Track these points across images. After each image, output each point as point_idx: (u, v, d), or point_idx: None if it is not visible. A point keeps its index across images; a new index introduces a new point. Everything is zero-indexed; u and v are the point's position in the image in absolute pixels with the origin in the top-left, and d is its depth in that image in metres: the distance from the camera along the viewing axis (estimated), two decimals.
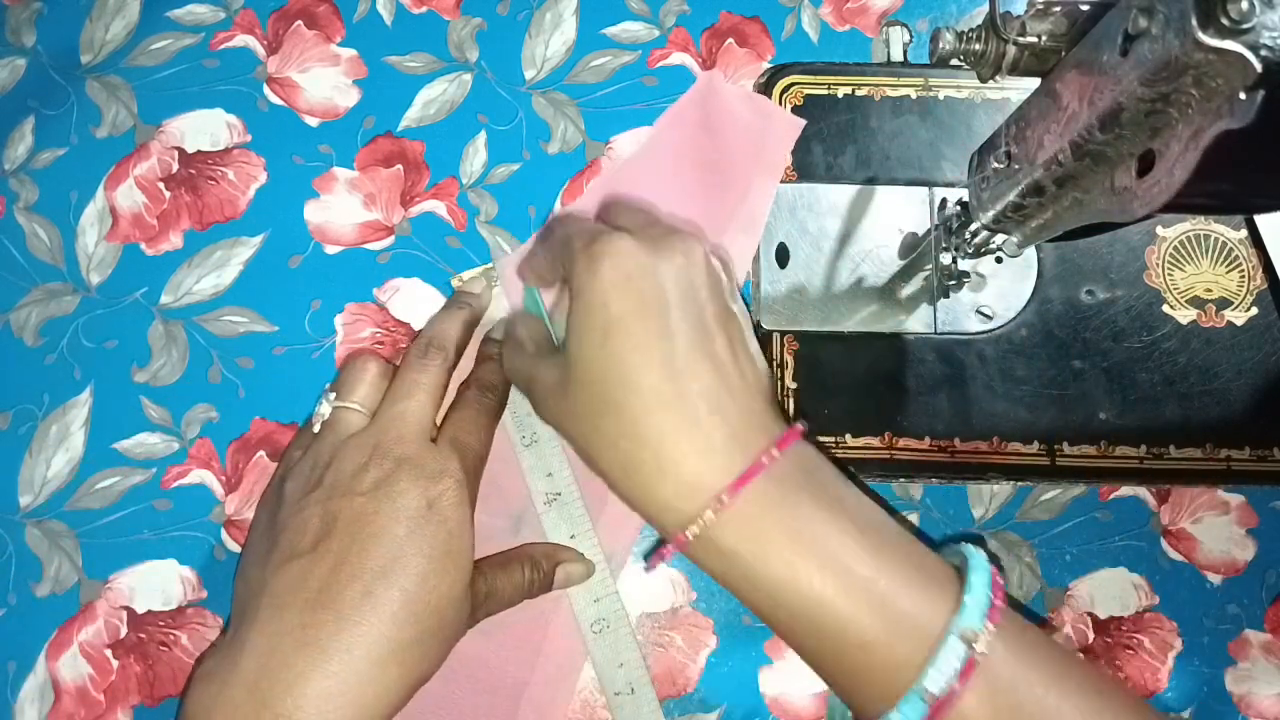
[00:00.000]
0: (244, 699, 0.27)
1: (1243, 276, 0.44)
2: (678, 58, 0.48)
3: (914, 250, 0.43)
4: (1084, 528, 0.43)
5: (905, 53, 0.46)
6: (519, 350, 0.35)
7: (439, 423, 0.35)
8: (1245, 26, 0.21)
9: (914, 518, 0.43)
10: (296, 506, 0.31)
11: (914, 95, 0.46)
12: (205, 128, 0.46)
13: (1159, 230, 0.45)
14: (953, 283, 0.41)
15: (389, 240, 0.45)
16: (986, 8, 0.30)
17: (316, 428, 0.35)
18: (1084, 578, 0.42)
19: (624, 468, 0.29)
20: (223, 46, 0.47)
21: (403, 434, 0.32)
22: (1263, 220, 0.44)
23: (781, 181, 0.45)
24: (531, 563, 0.35)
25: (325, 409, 0.35)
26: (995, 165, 0.33)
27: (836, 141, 0.46)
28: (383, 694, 0.28)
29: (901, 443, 0.42)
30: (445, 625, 0.30)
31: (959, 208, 0.39)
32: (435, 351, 0.36)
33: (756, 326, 0.44)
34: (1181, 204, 0.24)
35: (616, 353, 0.28)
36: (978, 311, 0.44)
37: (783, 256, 0.45)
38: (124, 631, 0.40)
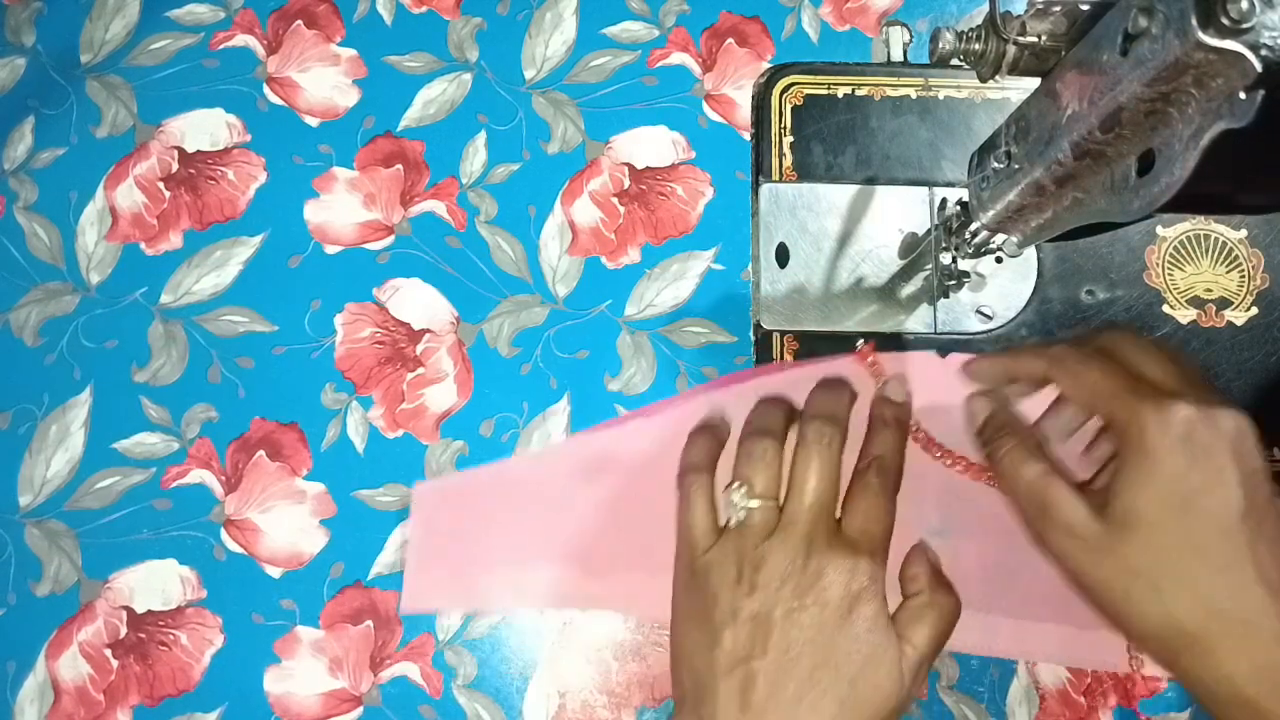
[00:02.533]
0: None
1: (1243, 276, 0.44)
2: (678, 58, 0.48)
3: (914, 250, 0.43)
4: None
5: (905, 53, 0.46)
6: (1033, 461, 0.35)
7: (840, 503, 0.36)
8: (1245, 26, 0.21)
9: None
10: (731, 609, 0.33)
11: (914, 95, 0.46)
12: (205, 127, 0.46)
13: (1159, 230, 0.45)
14: (953, 283, 0.41)
15: (389, 240, 0.45)
16: (986, 8, 0.30)
17: (730, 522, 0.35)
18: None
19: (1168, 624, 0.31)
20: (223, 46, 0.47)
21: (816, 531, 0.34)
22: None
23: (781, 181, 0.45)
24: (945, 597, 0.35)
25: (737, 506, 0.35)
26: (995, 165, 0.33)
27: (836, 141, 0.46)
28: None
29: None
30: (877, 713, 0.32)
31: (959, 208, 0.39)
32: (832, 432, 0.35)
33: (756, 327, 0.44)
34: (1181, 204, 0.24)
35: (1195, 529, 0.30)
36: (978, 311, 0.44)
37: (783, 256, 0.45)
38: (124, 631, 0.40)
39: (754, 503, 0.35)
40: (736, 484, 0.35)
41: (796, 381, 0.40)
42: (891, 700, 0.32)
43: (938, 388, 0.40)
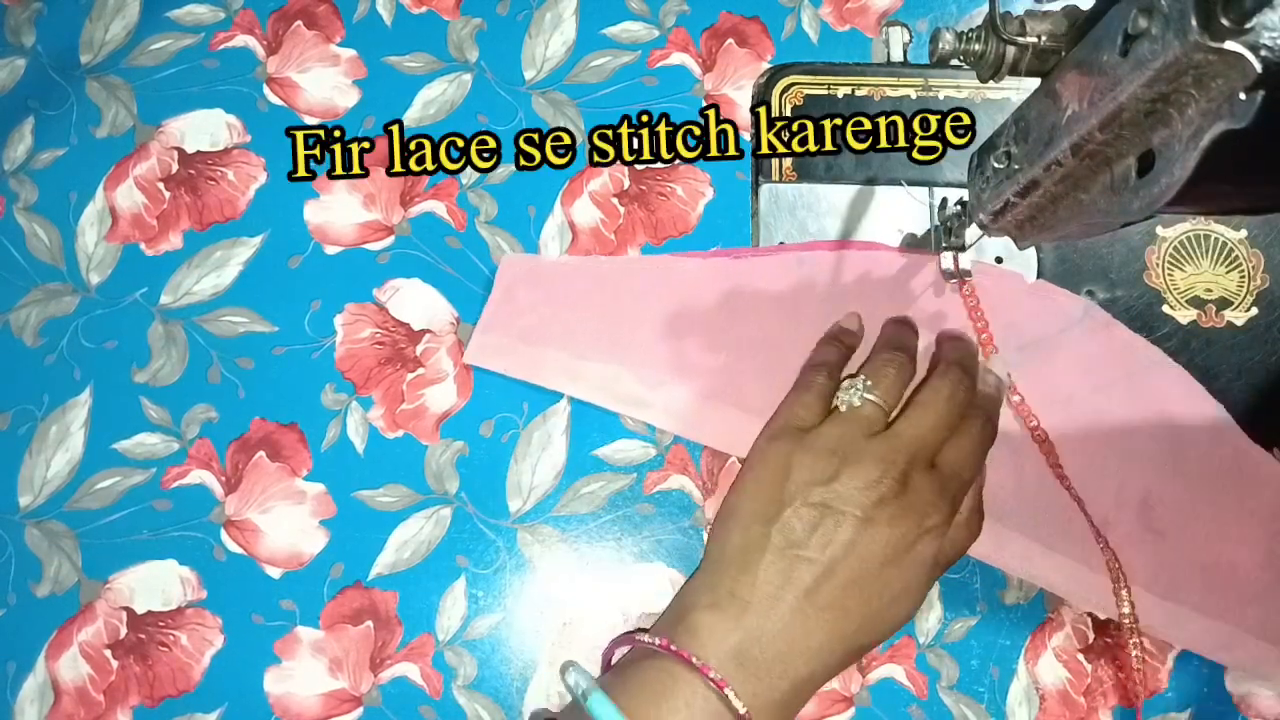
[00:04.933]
0: (750, 644, 0.33)
1: (1243, 276, 0.44)
2: (677, 58, 0.48)
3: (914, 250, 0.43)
4: None
5: (905, 53, 0.46)
6: None
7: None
8: (1245, 27, 0.21)
9: None
10: (804, 493, 0.35)
11: (914, 95, 0.46)
12: (205, 128, 0.46)
13: (1159, 230, 0.45)
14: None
15: (389, 240, 0.45)
16: (986, 8, 0.30)
17: (842, 406, 0.37)
18: None
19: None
20: (222, 47, 0.47)
21: (915, 458, 0.35)
22: None
23: (781, 181, 0.45)
24: (978, 521, 0.38)
25: (856, 395, 0.37)
26: (995, 165, 0.33)
27: None
28: (821, 680, 0.34)
29: None
30: (885, 636, 0.35)
31: (959, 208, 0.39)
32: (969, 385, 0.38)
33: None
34: (1181, 204, 0.24)
35: None
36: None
37: None
38: (124, 632, 0.40)
39: (873, 396, 0.37)
40: (864, 377, 0.37)
41: (896, 263, 0.43)
42: (903, 621, 0.35)
43: (1020, 311, 0.43)
